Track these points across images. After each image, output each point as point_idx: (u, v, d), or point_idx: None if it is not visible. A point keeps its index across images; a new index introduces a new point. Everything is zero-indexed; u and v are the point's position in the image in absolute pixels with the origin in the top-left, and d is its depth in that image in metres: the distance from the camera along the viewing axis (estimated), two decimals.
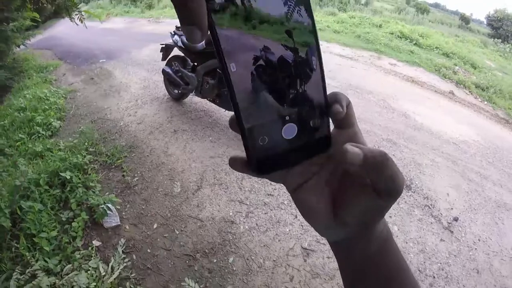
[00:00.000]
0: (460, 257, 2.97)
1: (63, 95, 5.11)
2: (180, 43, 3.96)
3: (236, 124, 0.31)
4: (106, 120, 4.32)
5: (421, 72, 8.01)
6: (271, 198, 2.97)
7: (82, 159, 3.32)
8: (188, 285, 2.21)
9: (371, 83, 6.39)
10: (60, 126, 4.27)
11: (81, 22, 3.80)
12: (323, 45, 8.62)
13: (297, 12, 0.30)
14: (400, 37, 10.14)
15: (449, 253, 2.99)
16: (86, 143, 3.66)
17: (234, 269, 2.36)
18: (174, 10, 0.26)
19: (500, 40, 16.22)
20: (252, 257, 2.45)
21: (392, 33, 10.22)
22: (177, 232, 2.60)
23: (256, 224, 2.68)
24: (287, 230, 2.68)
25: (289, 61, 0.30)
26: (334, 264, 2.46)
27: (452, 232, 3.23)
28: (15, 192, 2.73)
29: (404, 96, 6.15)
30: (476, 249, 3.12)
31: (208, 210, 2.80)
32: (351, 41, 9.40)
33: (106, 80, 5.65)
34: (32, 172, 3.02)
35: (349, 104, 0.36)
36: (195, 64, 3.90)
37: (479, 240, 3.23)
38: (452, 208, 3.53)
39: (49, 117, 4.32)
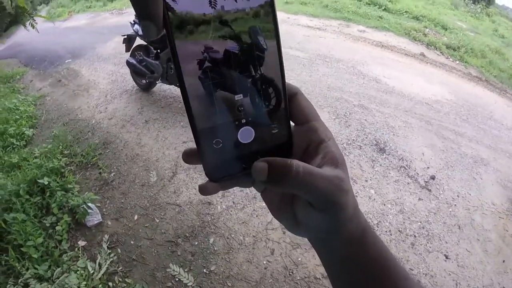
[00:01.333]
0: (440, 215, 3.05)
1: (33, 102, 4.99)
2: (140, 32, 3.88)
3: (190, 126, 0.30)
4: (78, 120, 4.26)
5: (390, 37, 8.02)
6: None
7: (58, 163, 3.29)
8: (173, 270, 2.27)
9: (340, 51, 6.38)
10: (33, 134, 4.19)
11: (33, 27, 3.69)
12: (290, 18, 8.54)
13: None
14: (369, 4, 10.07)
15: (429, 211, 3.06)
16: (60, 147, 3.62)
17: (215, 249, 2.41)
18: None
19: (471, 1, 16.27)
20: (232, 235, 2.50)
21: (360, 0, 10.15)
22: (157, 220, 2.63)
23: (233, 203, 2.73)
24: (264, 204, 2.71)
25: (234, 51, 0.29)
26: None
27: (430, 190, 3.30)
28: None
29: (374, 62, 6.17)
30: (455, 205, 3.19)
31: (185, 194, 2.83)
32: (319, 11, 9.31)
33: (73, 80, 5.52)
34: (12, 184, 2.99)
35: (295, 96, 0.34)
36: (158, 51, 3.84)
37: (458, 196, 3.31)
38: (428, 167, 3.60)
39: (21, 126, 4.23)
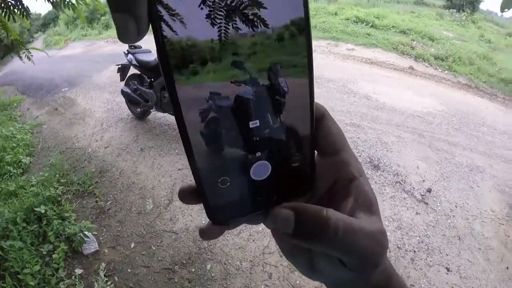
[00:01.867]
0: (439, 227, 3.04)
1: (30, 130, 5.08)
2: (134, 61, 4.03)
3: (187, 157, 0.25)
4: (74, 149, 4.34)
5: (379, 53, 8.20)
6: None
7: (55, 191, 3.35)
8: None
9: (330, 71, 6.52)
10: (30, 162, 4.26)
11: (29, 59, 3.84)
12: None
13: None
14: (356, 22, 10.35)
15: (427, 224, 3.05)
16: (57, 175, 3.69)
17: (212, 275, 2.45)
18: None
19: (455, 10, 16.71)
20: (229, 261, 2.55)
21: (348, 19, 10.43)
22: (154, 248, 2.68)
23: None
24: (260, 229, 2.78)
25: (248, 96, 0.24)
26: None
27: (427, 203, 3.30)
28: None
29: (363, 79, 6.31)
30: (454, 216, 3.18)
31: (181, 221, 2.89)
32: None
33: (70, 108, 5.64)
34: (8, 211, 3.05)
35: (322, 119, 0.29)
36: (152, 80, 3.97)
37: (456, 207, 3.30)
38: (423, 180, 3.62)
39: (18, 154, 4.31)
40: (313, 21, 10.16)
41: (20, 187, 3.55)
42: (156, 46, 0.21)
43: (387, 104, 5.33)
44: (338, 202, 0.28)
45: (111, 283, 2.46)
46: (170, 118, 4.37)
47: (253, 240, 2.70)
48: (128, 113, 4.76)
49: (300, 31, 0.24)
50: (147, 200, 3.16)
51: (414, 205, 3.26)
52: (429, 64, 8.02)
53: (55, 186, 3.48)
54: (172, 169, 3.53)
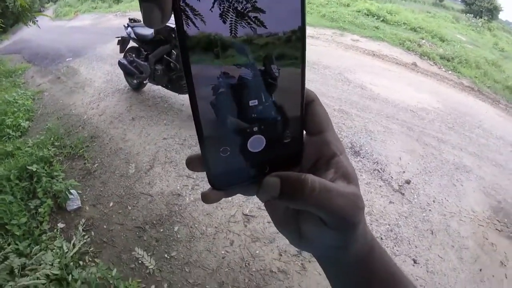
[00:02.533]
0: (412, 219, 3.02)
1: (31, 97, 5.23)
2: (132, 34, 4.13)
3: (195, 128, 0.28)
4: (71, 115, 4.48)
5: (384, 46, 8.09)
6: None
7: (48, 152, 3.50)
8: (138, 253, 2.45)
9: (329, 58, 6.49)
10: (29, 126, 4.41)
11: (34, 24, 3.97)
12: None
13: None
14: (367, 15, 10.25)
15: (399, 214, 3.03)
16: (52, 138, 3.84)
17: (178, 236, 2.58)
18: None
19: (472, 15, 16.34)
20: (196, 225, 2.67)
21: (359, 11, 10.32)
22: (130, 208, 2.82)
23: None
24: (230, 199, 2.85)
25: (248, 77, 0.28)
26: (274, 228, 2.50)
27: (403, 194, 3.28)
28: None
29: (362, 69, 6.26)
30: (430, 210, 3.15)
31: (158, 186, 3.02)
32: (315, 20, 9.43)
33: (72, 78, 5.78)
34: (4, 169, 3.22)
35: (312, 103, 0.33)
36: (148, 53, 4.07)
37: (433, 201, 3.27)
38: (404, 172, 3.59)
39: (18, 118, 4.46)
40: (323, 10, 10.10)
41: (17, 148, 3.70)
42: (177, 32, 0.24)
43: (381, 96, 5.29)
44: (321, 174, 0.31)
45: (88, 237, 2.61)
46: (164, 91, 4.48)
47: (221, 208, 2.81)
48: (125, 84, 4.89)
49: (296, 31, 0.28)
50: (131, 164, 3.29)
51: (389, 194, 3.24)
52: (433, 62, 7.86)
53: (49, 148, 3.63)
54: (158, 138, 3.65)
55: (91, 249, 2.54)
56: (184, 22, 0.24)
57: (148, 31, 4.03)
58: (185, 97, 4.27)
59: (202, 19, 0.24)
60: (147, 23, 0.23)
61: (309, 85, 5.21)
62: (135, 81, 4.50)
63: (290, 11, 0.27)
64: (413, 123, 4.69)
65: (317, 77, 5.53)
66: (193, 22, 0.24)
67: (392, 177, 3.48)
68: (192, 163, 0.31)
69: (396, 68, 7.00)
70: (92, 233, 2.66)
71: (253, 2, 0.26)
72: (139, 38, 4.07)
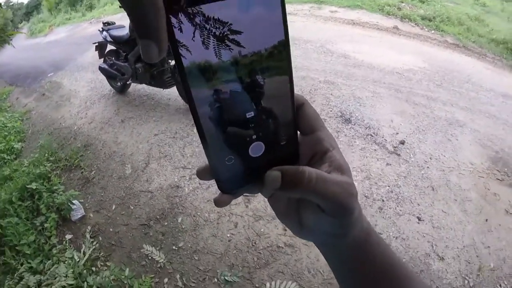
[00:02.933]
0: (411, 178, 3.01)
1: (19, 118, 5.20)
2: (108, 38, 4.07)
3: (202, 145, 0.32)
4: (62, 128, 4.46)
5: (363, 14, 7.95)
6: None
7: (44, 168, 3.50)
8: (147, 250, 2.47)
9: (309, 33, 6.41)
10: (22, 147, 4.40)
11: (9, 44, 3.93)
12: None
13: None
14: None
15: (398, 175, 3.03)
16: (46, 154, 3.83)
17: (183, 227, 2.60)
18: (114, 7, 0.28)
19: None
20: (198, 213, 2.68)
21: None
22: (132, 207, 2.84)
23: (199, 184, 2.91)
24: None
25: (238, 90, 0.31)
26: None
27: (399, 155, 3.27)
28: None
29: (343, 39, 6.19)
30: (428, 167, 3.15)
31: (156, 181, 3.03)
32: None
33: (56, 92, 5.73)
34: (5, 193, 3.23)
35: (302, 106, 0.36)
36: (126, 53, 4.02)
37: (430, 158, 3.26)
38: (397, 133, 3.58)
39: (10, 141, 4.45)
40: None
41: (14, 170, 3.70)
42: (175, 61, 0.27)
43: (365, 62, 5.23)
44: (316, 168, 0.34)
45: (96, 243, 2.64)
46: (149, 89, 4.45)
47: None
48: (109, 89, 4.85)
49: (280, 43, 0.31)
50: (126, 165, 3.29)
51: (385, 157, 3.24)
52: (415, 24, 7.73)
53: (45, 164, 3.62)
54: (149, 135, 3.64)
55: (101, 254, 2.56)
56: (181, 54, 0.27)
57: (123, 32, 3.97)
58: (170, 92, 4.25)
59: (190, 49, 0.27)
60: (146, 58, 0.25)
61: (292, 61, 5.11)
62: (118, 84, 4.46)
63: (273, 24, 0.30)
64: (401, 84, 4.65)
65: (299, 53, 5.47)
66: (186, 53, 0.27)
67: (386, 140, 3.46)
68: (202, 174, 0.34)
69: (377, 33, 6.90)
70: (100, 238, 2.68)
71: (229, 25, 0.28)
72: (116, 40, 4.01)
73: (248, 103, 0.32)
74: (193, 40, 0.27)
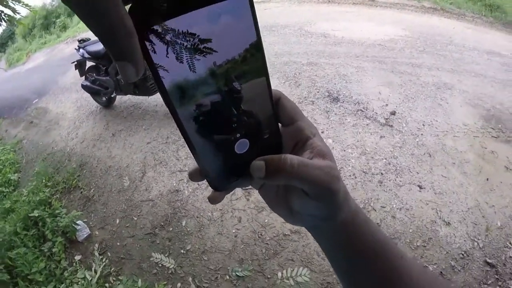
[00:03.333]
0: (406, 147, 3.02)
1: (12, 149, 5.14)
2: (86, 54, 4.03)
3: (190, 151, 0.33)
4: (55, 152, 4.43)
5: None
6: None
7: (44, 195, 3.49)
8: (156, 258, 2.48)
9: (286, 18, 6.39)
10: (19, 178, 4.36)
11: None
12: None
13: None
14: None
15: (393, 146, 3.03)
16: (43, 181, 3.80)
17: (188, 229, 2.60)
18: None
19: None
20: (201, 214, 2.69)
21: None
22: (136, 218, 2.83)
23: (198, 184, 2.91)
24: None
25: (218, 100, 0.32)
26: None
27: (391, 126, 3.27)
28: (1, 248, 2.96)
29: (320, 19, 6.16)
30: (422, 134, 3.15)
31: (156, 189, 3.02)
32: None
33: (44, 117, 5.68)
34: (9, 226, 3.22)
35: (280, 100, 0.37)
36: (106, 67, 3.99)
37: (423, 125, 3.26)
38: (387, 105, 3.57)
39: (6, 174, 4.40)
40: None
41: (14, 202, 3.69)
42: (154, 81, 0.28)
43: (346, 38, 5.21)
44: (299, 156, 0.35)
45: (106, 259, 2.64)
46: (134, 99, 4.43)
47: None
48: (96, 105, 4.82)
49: (254, 47, 0.31)
50: (124, 178, 3.28)
51: (378, 130, 3.24)
52: None
53: (44, 190, 3.60)
54: (142, 145, 3.63)
55: (112, 269, 2.57)
56: (159, 75, 0.27)
57: (100, 46, 3.93)
58: (156, 98, 4.22)
59: (167, 68, 0.28)
60: (124, 78, 0.26)
61: (272, 47, 5.22)
62: (103, 98, 4.43)
63: (244, 28, 0.30)
64: (384, 56, 4.64)
65: (278, 39, 5.44)
66: (164, 72, 0.27)
67: (376, 113, 3.46)
68: (193, 176, 0.36)
69: (353, 8, 6.88)
70: (109, 253, 2.68)
71: (202, 37, 0.28)
72: (94, 56, 3.97)
73: (229, 108, 0.33)
74: (168, 57, 0.27)
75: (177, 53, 0.27)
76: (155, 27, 0.26)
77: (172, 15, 0.26)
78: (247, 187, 0.41)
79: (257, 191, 0.41)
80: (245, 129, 0.35)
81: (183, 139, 0.32)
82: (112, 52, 0.24)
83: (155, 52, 0.26)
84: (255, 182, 0.38)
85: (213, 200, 0.37)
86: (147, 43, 0.26)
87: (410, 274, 0.36)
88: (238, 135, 0.34)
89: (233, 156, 0.35)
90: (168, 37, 0.26)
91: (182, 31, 0.27)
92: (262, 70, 0.33)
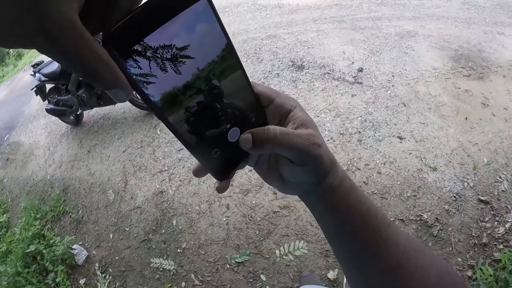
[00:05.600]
0: (379, 101, 2.99)
1: None
2: (42, 78, 3.87)
3: (189, 151, 0.36)
4: (36, 183, 4.32)
5: None
6: (183, 151, 3.12)
7: (35, 228, 3.43)
8: (155, 263, 2.47)
9: None
10: (8, 218, 4.27)
11: None
12: None
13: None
14: None
15: (366, 103, 3.00)
16: (32, 214, 3.73)
17: (180, 228, 2.57)
18: None
19: None
20: (189, 209, 2.65)
21: None
22: (128, 229, 2.79)
23: (180, 181, 2.86)
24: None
25: (201, 100, 0.34)
26: (257, 175, 2.57)
27: (361, 83, 3.24)
28: None
29: None
30: (393, 85, 3.12)
31: (140, 195, 2.97)
32: None
33: (18, 151, 5.51)
34: (10, 268, 3.18)
35: (254, 86, 0.40)
36: (65, 85, 3.85)
37: (393, 76, 3.23)
38: (352, 63, 3.53)
39: None
40: None
41: (9, 243, 3.64)
42: (141, 98, 0.30)
43: (301, 5, 5.11)
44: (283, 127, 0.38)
45: (108, 276, 2.62)
46: (101, 110, 4.30)
47: (203, 182, 2.77)
48: (65, 126, 4.68)
49: (226, 47, 0.34)
50: (108, 192, 3.21)
51: (348, 89, 3.20)
52: None
53: (34, 224, 3.55)
54: (118, 154, 3.54)
55: (117, 284, 2.56)
56: (144, 91, 0.29)
57: (54, 66, 3.78)
58: (122, 105, 4.11)
59: (152, 85, 0.29)
60: (118, 101, 0.28)
61: (228, 28, 4.97)
62: (71, 117, 4.29)
63: (214, 34, 0.32)
64: (342, 15, 4.56)
65: (233, 18, 5.28)
66: (150, 91, 0.29)
67: (344, 73, 3.43)
68: (198, 173, 0.40)
69: None
70: (110, 269, 2.66)
71: (178, 47, 0.30)
72: (51, 77, 3.81)
73: (215, 105, 0.35)
74: (148, 75, 0.29)
75: (155, 69, 0.29)
76: (130, 52, 0.27)
77: (141, 36, 0.27)
78: (243, 167, 0.43)
79: (248, 172, 0.46)
80: (233, 119, 0.37)
81: (180, 143, 0.35)
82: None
83: (135, 74, 0.28)
84: (250, 160, 0.42)
85: (221, 189, 0.40)
86: (127, 68, 0.27)
87: (398, 242, 0.38)
88: (228, 125, 0.37)
89: (228, 145, 0.37)
90: (142, 57, 0.28)
91: (155, 46, 0.28)
92: (237, 65, 0.36)
